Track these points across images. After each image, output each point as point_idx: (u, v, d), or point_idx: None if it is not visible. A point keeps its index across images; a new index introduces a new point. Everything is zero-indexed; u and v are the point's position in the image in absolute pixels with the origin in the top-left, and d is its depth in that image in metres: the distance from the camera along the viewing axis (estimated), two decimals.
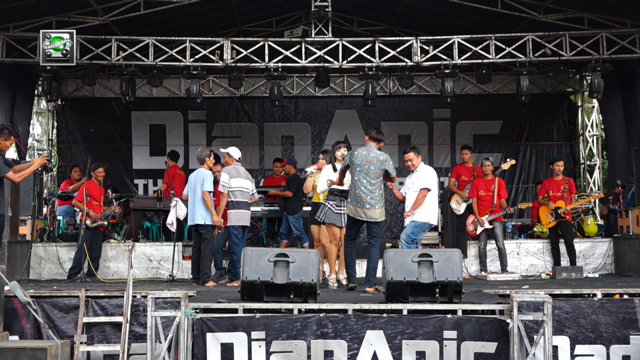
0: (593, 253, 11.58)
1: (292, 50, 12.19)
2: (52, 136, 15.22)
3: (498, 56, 12.12)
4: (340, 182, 8.90)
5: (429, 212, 8.93)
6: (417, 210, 8.87)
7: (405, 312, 7.02)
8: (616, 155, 14.15)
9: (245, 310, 7.04)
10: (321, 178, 9.26)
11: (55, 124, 15.33)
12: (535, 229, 12.29)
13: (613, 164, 14.43)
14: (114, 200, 11.26)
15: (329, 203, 9.03)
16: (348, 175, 8.76)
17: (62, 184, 12.87)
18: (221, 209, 9.88)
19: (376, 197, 8.42)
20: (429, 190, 8.88)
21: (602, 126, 15.44)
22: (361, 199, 8.38)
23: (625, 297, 7.67)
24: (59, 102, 15.00)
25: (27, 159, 12.42)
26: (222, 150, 10.33)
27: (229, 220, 9.87)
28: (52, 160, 12.67)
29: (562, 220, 11.12)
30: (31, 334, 7.61)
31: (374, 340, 6.94)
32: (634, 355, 7.35)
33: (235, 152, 10.08)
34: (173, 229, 10.28)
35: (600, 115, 15.13)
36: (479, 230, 11.00)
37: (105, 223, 10.74)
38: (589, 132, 15.27)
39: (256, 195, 10.28)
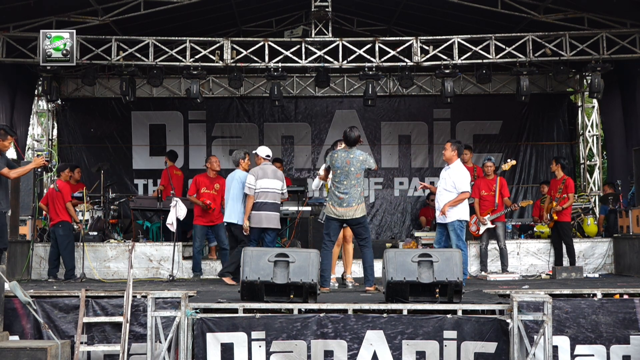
0: (593, 253, 11.58)
1: (292, 50, 12.19)
2: (52, 136, 15.22)
3: (498, 56, 12.12)
4: (325, 179, 9.04)
5: (461, 211, 9.16)
6: (451, 210, 9.11)
7: (405, 312, 7.02)
8: (615, 155, 14.14)
9: (245, 310, 7.05)
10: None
11: (55, 124, 15.33)
12: (535, 229, 12.28)
13: (612, 164, 14.42)
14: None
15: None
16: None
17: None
18: (247, 211, 9.71)
19: (354, 196, 8.49)
20: (467, 192, 9.17)
21: (602, 126, 15.43)
22: (339, 198, 8.48)
23: (625, 297, 7.67)
24: (59, 102, 14.99)
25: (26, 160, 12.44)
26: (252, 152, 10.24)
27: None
28: (52, 160, 12.66)
29: (555, 220, 11.14)
30: (31, 334, 7.60)
31: (374, 340, 6.94)
32: (634, 355, 7.34)
33: (262, 150, 9.93)
34: (173, 228, 10.28)
35: (600, 115, 15.13)
36: (482, 230, 11.00)
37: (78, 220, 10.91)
38: (589, 132, 15.25)
39: (286, 194, 9.95)
